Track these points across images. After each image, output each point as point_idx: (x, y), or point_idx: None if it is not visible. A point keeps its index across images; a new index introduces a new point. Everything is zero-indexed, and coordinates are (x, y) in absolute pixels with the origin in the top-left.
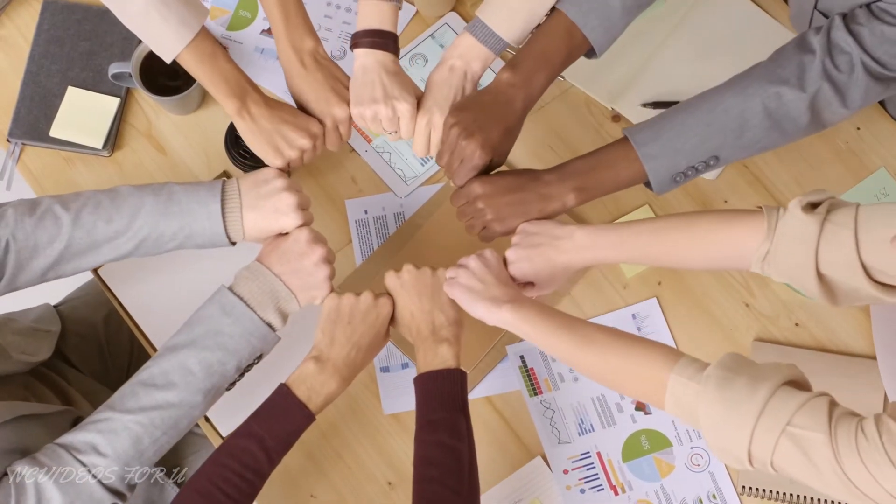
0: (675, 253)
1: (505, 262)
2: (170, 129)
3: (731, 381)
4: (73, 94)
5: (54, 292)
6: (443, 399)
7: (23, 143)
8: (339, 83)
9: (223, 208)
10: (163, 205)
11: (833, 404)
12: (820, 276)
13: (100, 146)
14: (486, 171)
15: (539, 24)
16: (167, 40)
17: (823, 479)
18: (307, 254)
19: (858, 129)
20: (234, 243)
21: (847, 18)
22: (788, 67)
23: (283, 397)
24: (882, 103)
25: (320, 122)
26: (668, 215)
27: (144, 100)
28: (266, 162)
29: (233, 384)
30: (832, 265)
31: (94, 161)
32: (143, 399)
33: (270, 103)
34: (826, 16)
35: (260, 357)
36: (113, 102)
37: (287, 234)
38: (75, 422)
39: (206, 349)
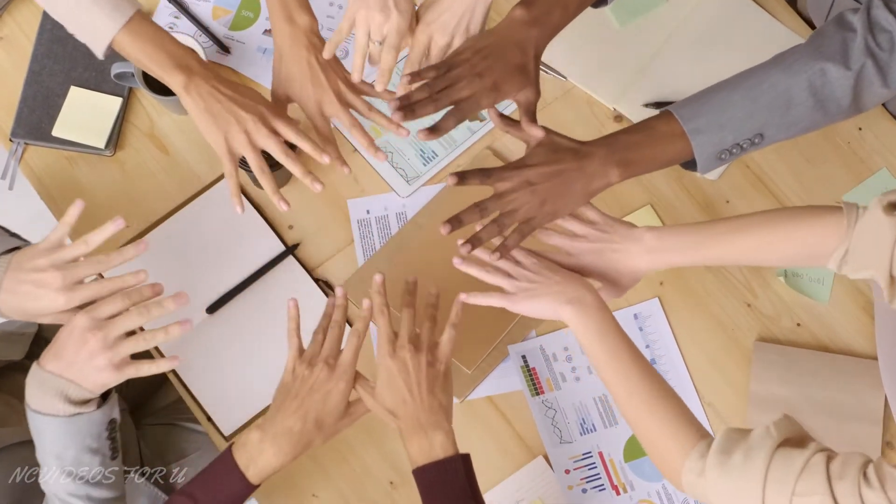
0: (750, 254)
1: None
2: (172, 128)
3: (728, 465)
4: (75, 93)
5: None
6: (449, 492)
7: (25, 143)
8: (330, 68)
9: None
10: None
11: (830, 459)
12: (892, 279)
13: (102, 146)
14: (526, 111)
15: None
16: (101, 25)
17: None
18: (81, 344)
19: (860, 129)
20: None
21: None
22: (832, 45)
23: (225, 462)
24: (883, 103)
25: (311, 109)
26: (739, 216)
27: (147, 99)
28: (215, 148)
29: (114, 450)
30: None
31: (96, 161)
32: None
33: (223, 81)
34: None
35: (113, 421)
36: (115, 102)
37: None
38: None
39: (53, 468)
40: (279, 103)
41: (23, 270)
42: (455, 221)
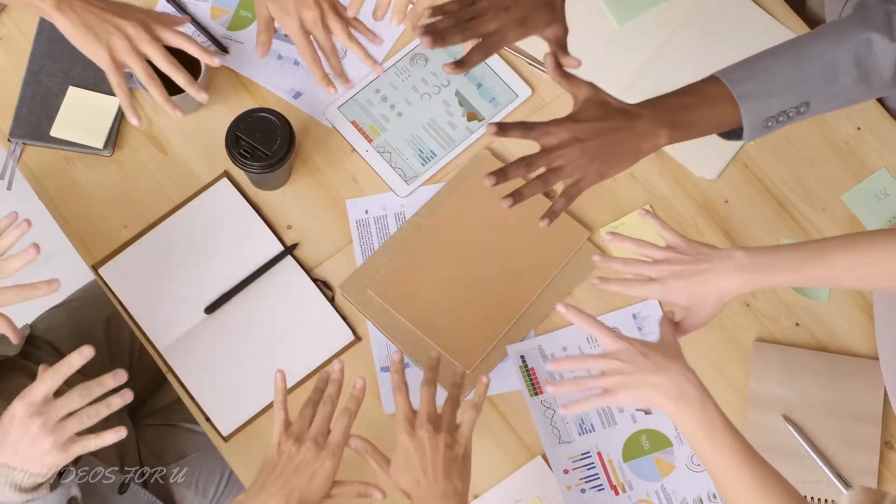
0: (847, 274)
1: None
2: (171, 128)
3: None
4: (74, 93)
5: (53, 294)
6: None
7: (24, 143)
8: None
9: None
10: None
11: None
12: None
13: (101, 146)
14: (556, 44)
15: None
16: None
17: None
18: (23, 431)
19: (859, 129)
20: None
21: None
22: (876, 16)
23: None
24: (882, 102)
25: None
26: (835, 237)
27: (145, 99)
28: (98, 62)
29: None
30: None
31: (95, 161)
32: None
33: None
34: None
35: (73, 500)
36: (114, 102)
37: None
38: None
39: None
40: (266, 24)
41: None
42: (500, 174)
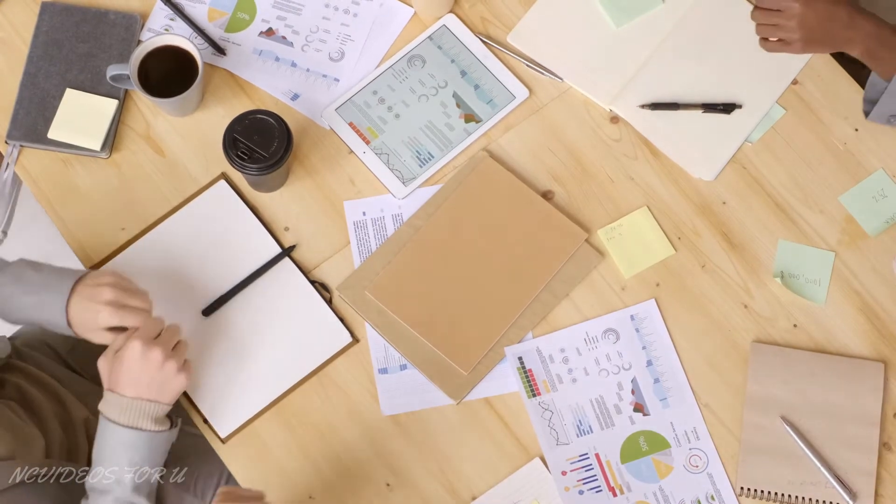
0: None
1: None
2: (168, 130)
3: None
4: (71, 95)
5: None
6: None
7: (21, 145)
8: None
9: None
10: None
11: None
12: None
13: (98, 148)
14: None
15: None
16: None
17: None
18: (147, 364)
19: (857, 130)
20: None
21: None
22: None
23: None
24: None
25: None
26: None
27: (143, 102)
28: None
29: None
30: None
31: (92, 163)
32: None
33: None
34: None
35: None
36: (111, 104)
37: (122, 347)
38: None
39: (127, 473)
40: None
41: (87, 287)
42: None
